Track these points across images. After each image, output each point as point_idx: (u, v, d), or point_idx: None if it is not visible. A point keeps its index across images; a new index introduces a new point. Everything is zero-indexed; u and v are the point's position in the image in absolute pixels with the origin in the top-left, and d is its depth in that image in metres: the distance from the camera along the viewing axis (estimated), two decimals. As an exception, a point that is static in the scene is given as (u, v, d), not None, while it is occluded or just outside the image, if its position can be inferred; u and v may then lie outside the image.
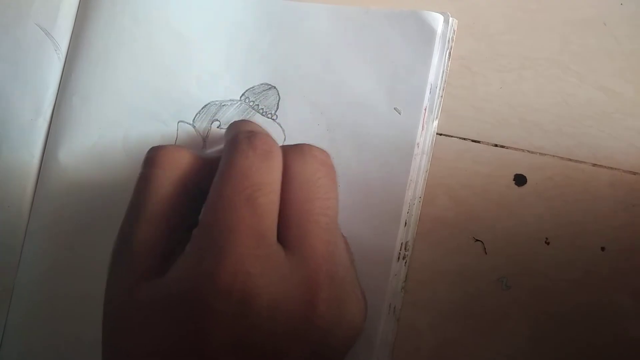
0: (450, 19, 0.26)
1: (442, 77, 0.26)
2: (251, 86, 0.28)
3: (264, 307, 0.19)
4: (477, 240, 0.25)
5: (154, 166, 0.22)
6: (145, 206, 0.21)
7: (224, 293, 0.18)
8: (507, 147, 0.26)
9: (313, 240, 0.20)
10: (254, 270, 0.19)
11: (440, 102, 0.27)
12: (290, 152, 0.22)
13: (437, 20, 0.26)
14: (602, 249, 0.24)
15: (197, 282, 0.19)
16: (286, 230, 0.20)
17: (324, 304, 0.20)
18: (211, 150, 0.28)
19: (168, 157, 0.22)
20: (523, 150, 0.26)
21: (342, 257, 0.21)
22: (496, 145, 0.26)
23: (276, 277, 0.19)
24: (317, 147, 0.22)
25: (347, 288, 0.21)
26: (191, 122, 0.28)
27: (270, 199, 0.20)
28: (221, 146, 0.28)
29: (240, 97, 0.28)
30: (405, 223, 0.25)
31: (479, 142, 0.26)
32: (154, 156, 0.22)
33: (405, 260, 0.26)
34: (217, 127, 0.28)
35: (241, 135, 0.21)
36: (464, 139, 0.26)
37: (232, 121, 0.28)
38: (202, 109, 0.28)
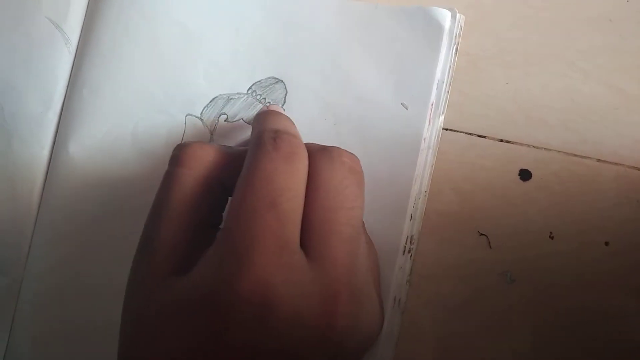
0: (458, 15, 0.26)
1: (448, 72, 0.27)
2: (258, 80, 0.28)
3: (283, 315, 0.18)
4: (481, 234, 0.26)
5: (179, 165, 0.22)
6: (169, 205, 0.21)
7: (244, 300, 0.18)
8: (512, 142, 0.26)
9: (335, 251, 0.20)
10: (275, 279, 0.18)
11: (447, 97, 0.27)
12: (318, 156, 0.21)
13: (445, 16, 0.26)
14: (606, 243, 0.25)
15: (217, 287, 0.18)
16: (308, 237, 0.20)
17: (343, 314, 0.19)
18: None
19: (193, 155, 0.22)
20: (528, 146, 0.26)
21: (362, 265, 0.21)
22: (502, 141, 0.26)
23: (297, 285, 0.19)
24: (347, 152, 0.22)
25: (365, 297, 0.21)
26: (199, 116, 0.29)
27: (294, 205, 0.20)
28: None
29: (248, 90, 0.28)
30: (411, 217, 0.25)
31: (484, 137, 0.26)
32: (179, 154, 0.22)
33: (410, 254, 0.26)
34: (225, 121, 0.29)
35: (266, 135, 0.21)
36: (470, 134, 0.27)
37: (239, 115, 0.29)
38: (209, 102, 0.29)
